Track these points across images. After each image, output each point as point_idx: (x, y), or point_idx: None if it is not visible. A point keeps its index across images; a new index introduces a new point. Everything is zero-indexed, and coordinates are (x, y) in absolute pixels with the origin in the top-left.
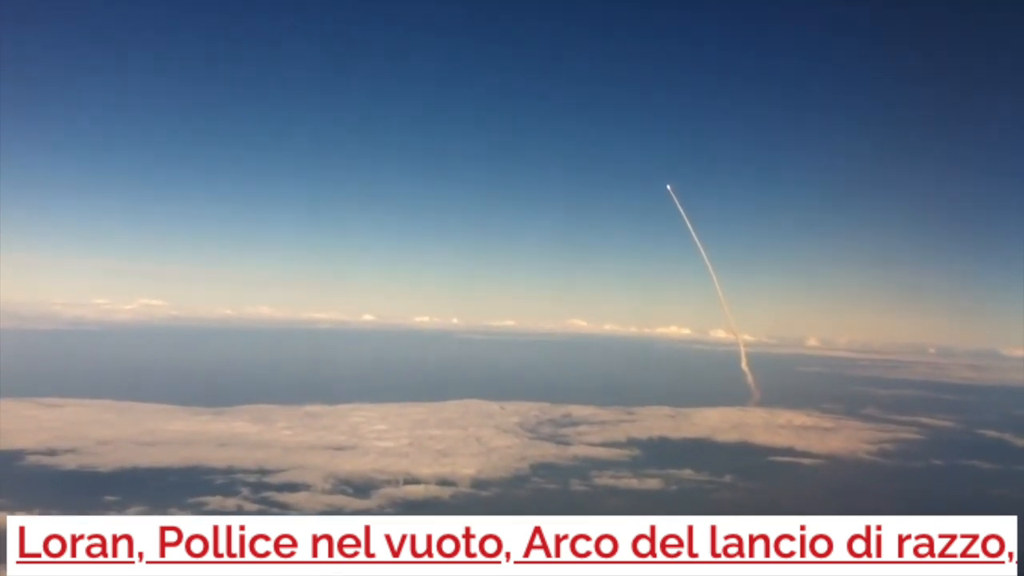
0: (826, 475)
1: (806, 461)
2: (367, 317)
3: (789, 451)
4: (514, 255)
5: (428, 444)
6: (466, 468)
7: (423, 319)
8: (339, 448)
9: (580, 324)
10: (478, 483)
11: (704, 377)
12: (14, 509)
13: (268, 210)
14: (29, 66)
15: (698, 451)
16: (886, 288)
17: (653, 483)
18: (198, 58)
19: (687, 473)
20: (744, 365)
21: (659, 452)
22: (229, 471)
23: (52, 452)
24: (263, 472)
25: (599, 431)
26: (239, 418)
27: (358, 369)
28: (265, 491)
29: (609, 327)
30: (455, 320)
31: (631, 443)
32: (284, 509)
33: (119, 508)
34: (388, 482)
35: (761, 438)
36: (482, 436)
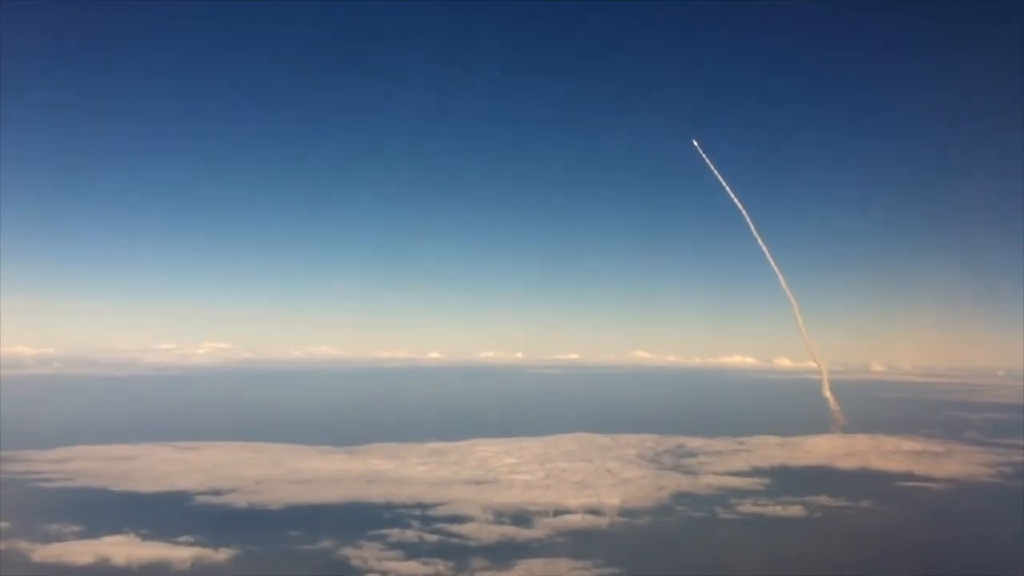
0: (960, 499)
1: (933, 486)
2: (433, 354)
3: (912, 476)
4: (574, 289)
5: (564, 476)
6: (611, 499)
7: (488, 355)
8: (480, 482)
9: (644, 356)
10: (627, 512)
11: (792, 405)
12: (211, 546)
13: (325, 250)
14: (102, 104)
15: (824, 478)
16: (940, 309)
17: (796, 510)
18: (275, 96)
19: (824, 500)
20: (827, 392)
21: (786, 480)
22: (389, 506)
23: (217, 492)
24: (423, 506)
25: (719, 461)
26: (372, 456)
27: (459, 405)
28: (434, 523)
29: (673, 358)
30: (519, 355)
31: (756, 472)
32: (462, 539)
33: (310, 542)
34: (541, 513)
35: (878, 464)
36: (611, 468)
